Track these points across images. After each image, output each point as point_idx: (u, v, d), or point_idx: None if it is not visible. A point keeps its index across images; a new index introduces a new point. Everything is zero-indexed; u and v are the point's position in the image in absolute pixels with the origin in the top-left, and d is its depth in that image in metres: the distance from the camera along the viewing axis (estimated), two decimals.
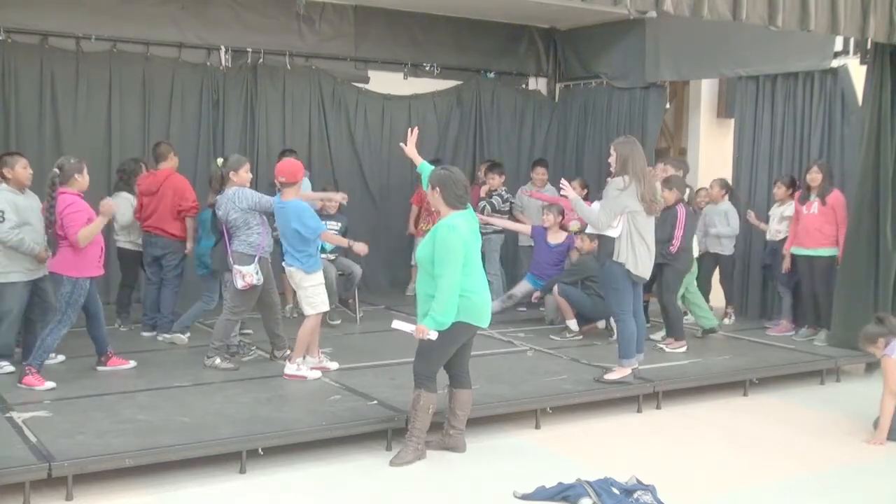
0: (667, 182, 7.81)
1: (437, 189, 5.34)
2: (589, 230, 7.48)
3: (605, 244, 6.66)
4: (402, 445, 5.43)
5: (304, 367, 6.55)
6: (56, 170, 6.19)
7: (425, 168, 5.89)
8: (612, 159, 6.57)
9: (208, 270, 7.49)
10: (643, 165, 6.54)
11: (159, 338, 7.72)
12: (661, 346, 7.88)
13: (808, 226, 8.28)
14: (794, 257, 8.47)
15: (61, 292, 6.14)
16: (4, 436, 5.05)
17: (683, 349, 7.79)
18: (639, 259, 6.51)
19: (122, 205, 7.90)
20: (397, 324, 5.43)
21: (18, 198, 6.41)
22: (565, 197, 6.89)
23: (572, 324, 8.32)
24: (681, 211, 7.75)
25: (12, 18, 9.05)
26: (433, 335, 5.18)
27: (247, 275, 6.57)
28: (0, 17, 8.95)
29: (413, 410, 5.40)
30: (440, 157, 11.32)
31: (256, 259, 6.61)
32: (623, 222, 6.48)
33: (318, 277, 6.55)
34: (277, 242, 7.90)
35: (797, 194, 8.53)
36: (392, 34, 11.09)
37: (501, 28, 11.83)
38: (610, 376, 6.67)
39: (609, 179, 6.63)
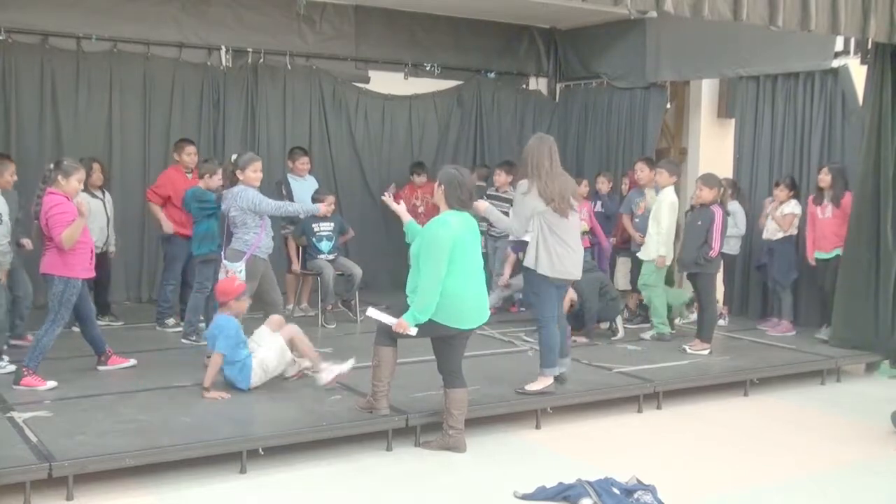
0: (706, 180, 7.74)
1: (443, 186, 5.38)
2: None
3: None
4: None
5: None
6: (51, 166, 6.18)
7: (412, 227, 5.66)
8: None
9: (212, 248, 7.47)
10: (548, 164, 6.17)
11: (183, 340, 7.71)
12: (685, 346, 7.83)
13: (824, 230, 8.38)
14: (816, 261, 8.53)
15: (53, 292, 6.10)
16: (5, 436, 5.05)
17: (706, 352, 7.73)
18: (555, 260, 6.11)
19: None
20: (372, 312, 5.48)
21: None
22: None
23: None
24: (717, 212, 7.67)
25: (12, 18, 9.05)
26: (412, 331, 5.26)
27: (230, 271, 6.60)
28: (0, 17, 8.95)
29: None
30: (440, 157, 11.39)
31: (245, 258, 6.60)
32: (535, 225, 6.13)
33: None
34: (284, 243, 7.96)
35: (811, 197, 8.58)
36: (393, 34, 11.09)
37: (502, 28, 11.83)
38: (531, 387, 6.34)
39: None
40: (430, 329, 5.36)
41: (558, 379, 6.53)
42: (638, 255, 8.37)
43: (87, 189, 7.96)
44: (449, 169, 5.53)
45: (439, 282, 5.19)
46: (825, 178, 8.36)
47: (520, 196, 6.19)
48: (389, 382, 5.62)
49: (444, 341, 5.49)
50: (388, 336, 5.51)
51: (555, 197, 6.07)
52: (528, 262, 6.20)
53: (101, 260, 8.17)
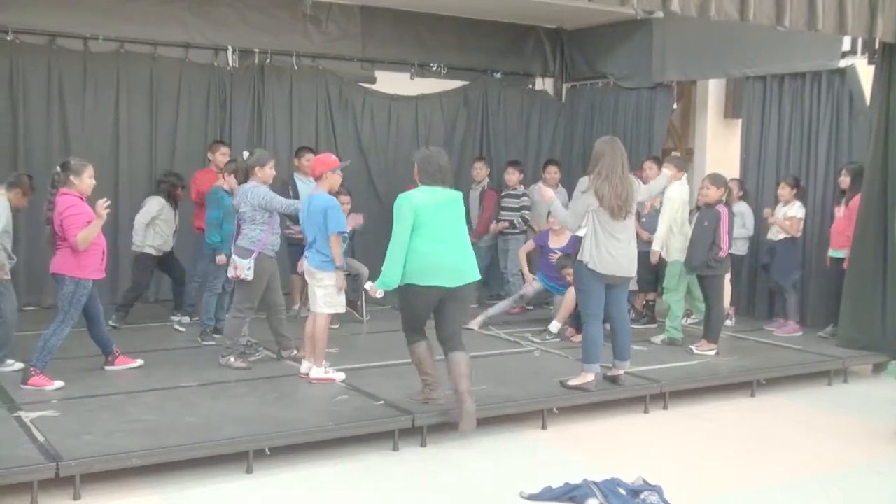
0: (713, 179, 7.71)
1: (416, 165, 5.83)
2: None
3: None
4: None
5: (331, 369, 6.51)
6: (58, 168, 6.20)
7: None
8: None
9: (218, 242, 7.56)
10: (620, 168, 6.20)
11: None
12: (691, 346, 7.79)
13: (835, 228, 8.46)
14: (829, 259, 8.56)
15: (63, 292, 6.12)
16: (12, 435, 5.07)
17: (713, 353, 7.71)
18: (605, 257, 6.21)
19: (153, 208, 8.19)
20: (369, 285, 5.97)
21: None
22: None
23: (554, 325, 8.21)
24: (723, 212, 7.63)
25: (20, 19, 9.07)
26: (379, 294, 5.82)
27: (238, 267, 6.65)
28: (8, 18, 8.98)
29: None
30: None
31: (253, 255, 6.63)
32: (588, 220, 6.30)
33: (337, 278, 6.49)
34: (289, 243, 7.94)
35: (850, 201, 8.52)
36: (399, 34, 11.09)
37: (508, 28, 11.83)
38: (572, 382, 6.44)
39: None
40: (413, 294, 5.69)
41: (616, 381, 6.59)
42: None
43: (169, 199, 8.27)
44: (422, 149, 6.07)
45: (401, 249, 5.62)
46: (844, 180, 8.39)
47: (578, 192, 6.42)
48: (436, 371, 5.87)
49: (437, 308, 5.75)
50: (413, 331, 5.85)
51: (609, 197, 6.17)
52: (581, 256, 6.39)
53: (169, 259, 8.46)
